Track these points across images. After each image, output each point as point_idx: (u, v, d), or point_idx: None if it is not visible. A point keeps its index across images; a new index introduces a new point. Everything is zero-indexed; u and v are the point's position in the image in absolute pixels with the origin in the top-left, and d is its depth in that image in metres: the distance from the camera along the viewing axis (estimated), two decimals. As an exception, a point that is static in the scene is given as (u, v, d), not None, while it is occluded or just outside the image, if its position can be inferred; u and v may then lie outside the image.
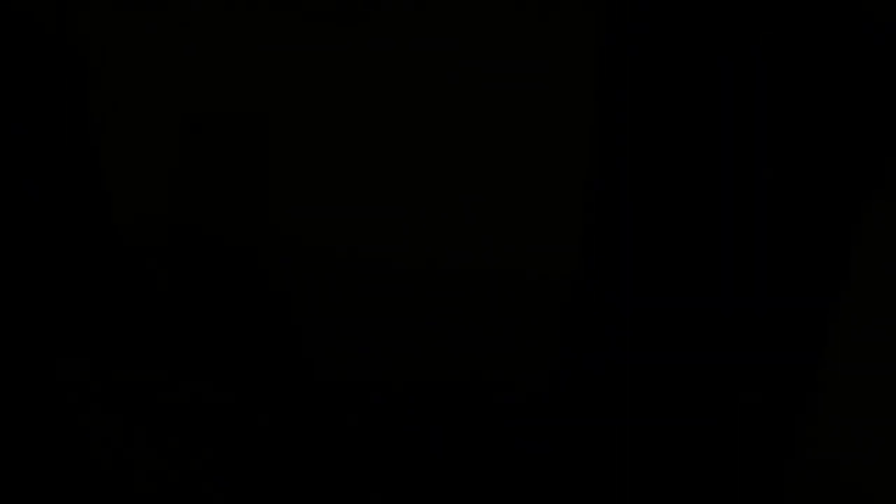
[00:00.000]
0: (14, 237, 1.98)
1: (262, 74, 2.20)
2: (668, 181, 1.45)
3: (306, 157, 2.21)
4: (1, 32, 1.99)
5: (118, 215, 2.10)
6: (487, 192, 2.17)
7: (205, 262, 2.07)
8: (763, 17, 1.38)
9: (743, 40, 1.39)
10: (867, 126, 1.42)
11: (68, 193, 2.04)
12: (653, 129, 1.45)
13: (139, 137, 2.17)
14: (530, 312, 2.01)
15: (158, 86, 2.18)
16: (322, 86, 2.22)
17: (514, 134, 2.19)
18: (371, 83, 2.22)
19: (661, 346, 1.51)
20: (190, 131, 2.17)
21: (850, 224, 1.47)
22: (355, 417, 1.84)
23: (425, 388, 1.92)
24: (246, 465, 1.77)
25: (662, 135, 1.45)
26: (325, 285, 2.06)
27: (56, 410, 1.82)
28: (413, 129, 2.22)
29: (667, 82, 1.42)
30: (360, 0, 2.19)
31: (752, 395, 1.51)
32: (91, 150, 2.02)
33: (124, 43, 2.16)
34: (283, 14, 2.19)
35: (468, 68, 2.20)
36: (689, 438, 1.53)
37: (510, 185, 2.17)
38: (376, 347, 1.98)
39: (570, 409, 1.58)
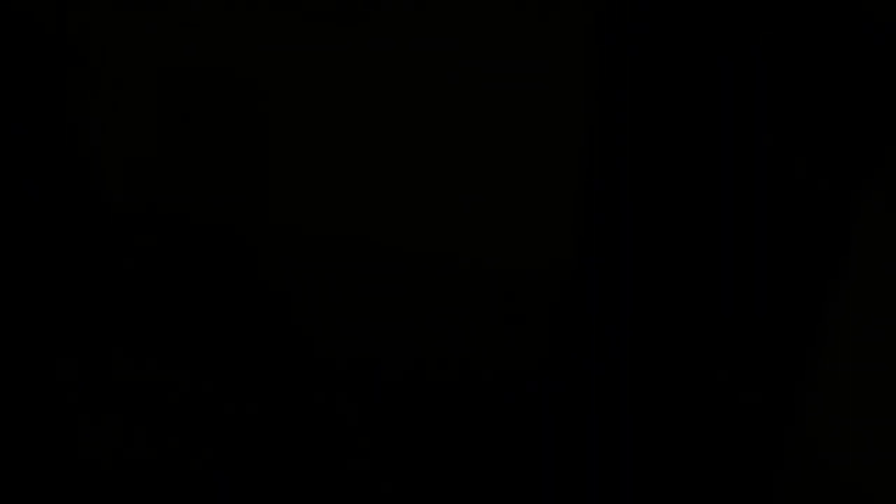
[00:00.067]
0: (10, 233, 1.98)
1: (262, 73, 2.20)
2: (668, 181, 1.45)
3: (305, 152, 2.21)
4: (1, 32, 1.99)
5: (107, 200, 2.10)
6: (483, 189, 2.17)
7: (198, 250, 2.07)
8: (763, 17, 1.38)
9: (743, 40, 1.39)
10: (866, 124, 1.42)
11: (63, 190, 2.04)
12: (652, 129, 1.45)
13: (135, 131, 2.17)
14: (524, 305, 2.01)
15: (158, 85, 2.18)
16: (321, 85, 2.22)
17: (512, 133, 2.19)
18: (370, 82, 2.22)
19: (657, 344, 1.51)
20: (190, 130, 2.17)
21: (849, 222, 1.47)
22: (352, 407, 1.83)
23: (419, 375, 1.92)
24: (240, 455, 1.77)
25: (662, 134, 1.44)
26: (320, 273, 2.06)
27: (52, 407, 1.82)
28: (412, 126, 2.22)
29: (667, 82, 1.42)
30: (360, 0, 2.18)
31: (751, 394, 1.51)
32: (78, 147, 2.02)
33: (124, 42, 2.16)
34: (283, 14, 2.19)
35: (468, 68, 2.20)
36: (685, 435, 1.53)
37: (506, 183, 2.17)
38: (370, 340, 1.98)
39: (564, 402, 1.57)
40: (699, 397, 1.53)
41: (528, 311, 2.00)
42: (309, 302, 2.05)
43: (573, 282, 1.57)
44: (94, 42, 2.13)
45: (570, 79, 2.16)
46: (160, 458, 1.76)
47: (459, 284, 2.07)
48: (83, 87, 2.10)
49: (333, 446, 1.79)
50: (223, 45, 2.18)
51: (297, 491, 1.73)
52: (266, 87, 2.20)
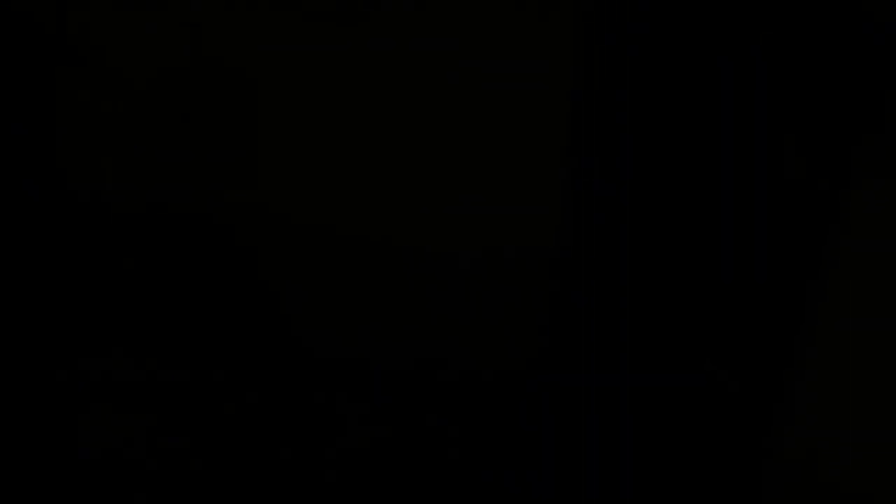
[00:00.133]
0: (10, 232, 1.98)
1: (262, 73, 2.20)
2: (666, 180, 1.45)
3: (307, 152, 2.21)
4: (1, 32, 1.99)
5: (106, 200, 2.10)
6: (482, 186, 2.17)
7: (198, 249, 2.07)
8: (763, 17, 1.38)
9: (743, 40, 1.39)
10: (864, 122, 1.42)
11: (61, 189, 2.04)
12: (651, 128, 1.45)
13: (135, 131, 2.18)
14: (514, 290, 2.01)
15: (158, 85, 2.18)
16: (321, 84, 2.22)
17: (512, 131, 2.20)
18: (370, 82, 2.22)
19: (650, 343, 1.51)
20: (191, 130, 2.17)
21: (839, 216, 1.47)
22: (352, 406, 1.84)
23: (416, 373, 1.92)
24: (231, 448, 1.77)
25: (661, 133, 1.45)
26: (320, 273, 2.06)
27: (51, 407, 1.82)
28: (412, 126, 2.22)
29: (667, 82, 1.42)
30: (360, 0, 2.19)
31: (740, 385, 1.51)
32: (77, 146, 2.02)
33: (124, 42, 2.17)
34: (283, 14, 2.20)
35: (468, 68, 2.21)
36: (682, 428, 1.53)
37: (505, 181, 2.17)
38: (360, 326, 1.98)
39: (561, 398, 1.58)
40: (691, 388, 1.53)
41: (527, 305, 2.00)
42: (307, 301, 2.05)
43: (569, 275, 1.58)
44: (94, 42, 2.13)
45: (568, 78, 2.16)
46: (160, 457, 1.76)
47: (460, 281, 2.07)
48: (83, 87, 2.11)
49: (333, 445, 1.79)
50: (223, 45, 2.18)
51: (297, 490, 1.73)
52: (266, 87, 2.20)
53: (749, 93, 1.41)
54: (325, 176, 2.20)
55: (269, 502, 1.70)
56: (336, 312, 2.05)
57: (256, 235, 2.12)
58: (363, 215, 2.17)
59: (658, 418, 1.54)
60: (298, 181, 2.19)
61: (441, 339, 1.99)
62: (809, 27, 1.38)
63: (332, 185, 2.20)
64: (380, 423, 1.82)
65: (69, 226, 2.02)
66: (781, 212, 1.46)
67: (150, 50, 2.16)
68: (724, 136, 1.43)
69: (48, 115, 2.05)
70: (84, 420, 1.79)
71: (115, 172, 2.13)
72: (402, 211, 2.18)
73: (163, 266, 2.05)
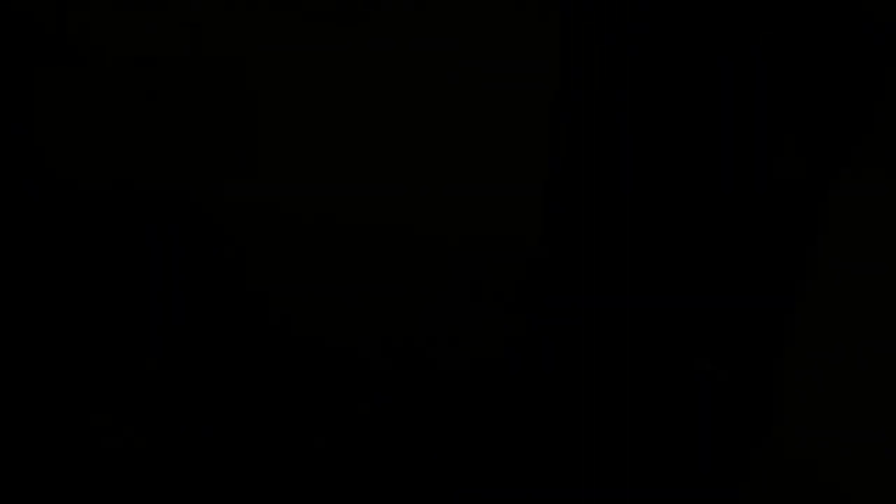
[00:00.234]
0: (9, 232, 1.98)
1: (262, 73, 2.20)
2: (666, 180, 1.45)
3: (308, 151, 2.21)
4: (1, 32, 1.99)
5: (104, 198, 2.11)
6: (479, 181, 2.17)
7: (198, 247, 2.07)
8: (763, 17, 1.38)
9: (743, 40, 1.39)
10: (862, 120, 1.42)
11: (60, 188, 2.04)
12: (651, 128, 1.45)
13: (135, 131, 2.18)
14: (495, 272, 2.01)
15: (158, 85, 2.18)
16: (321, 84, 2.22)
17: (511, 130, 2.20)
18: (370, 82, 2.22)
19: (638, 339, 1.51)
20: (191, 129, 2.17)
21: (825, 210, 1.47)
22: (344, 397, 1.84)
23: (391, 350, 1.92)
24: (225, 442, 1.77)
25: (661, 133, 1.44)
26: (291, 249, 2.06)
27: (51, 407, 1.83)
28: (413, 126, 2.22)
29: (667, 82, 1.42)
30: (360, 0, 2.19)
31: (727, 375, 1.51)
32: (76, 145, 2.02)
33: (124, 42, 2.17)
34: (284, 14, 2.20)
35: (468, 68, 2.21)
36: (665, 416, 1.53)
37: (499, 174, 2.17)
38: (342, 311, 1.98)
39: (534, 371, 1.57)
40: (690, 388, 1.53)
41: (516, 291, 2.00)
42: (298, 291, 2.05)
43: (549, 260, 1.57)
44: (95, 42, 2.13)
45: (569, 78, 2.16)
46: (160, 457, 1.76)
47: (451, 269, 2.08)
48: (83, 87, 2.11)
49: (328, 438, 1.79)
50: (223, 45, 2.18)
51: (297, 488, 1.73)
52: (266, 87, 2.20)
53: (749, 93, 1.41)
54: (327, 178, 2.21)
55: (269, 500, 1.71)
56: (327, 301, 2.05)
57: (252, 223, 2.12)
58: (356, 210, 2.18)
59: (656, 413, 1.54)
60: (301, 183, 2.19)
61: (430, 324, 1.99)
62: (809, 27, 1.38)
63: (332, 184, 2.20)
64: (374, 415, 1.82)
65: (67, 226, 2.02)
66: (781, 212, 1.46)
67: (150, 50, 2.16)
68: (723, 136, 1.43)
69: (47, 115, 2.05)
70: (83, 419, 1.80)
71: (113, 166, 2.14)
72: (404, 206, 2.18)
73: (163, 262, 2.06)
